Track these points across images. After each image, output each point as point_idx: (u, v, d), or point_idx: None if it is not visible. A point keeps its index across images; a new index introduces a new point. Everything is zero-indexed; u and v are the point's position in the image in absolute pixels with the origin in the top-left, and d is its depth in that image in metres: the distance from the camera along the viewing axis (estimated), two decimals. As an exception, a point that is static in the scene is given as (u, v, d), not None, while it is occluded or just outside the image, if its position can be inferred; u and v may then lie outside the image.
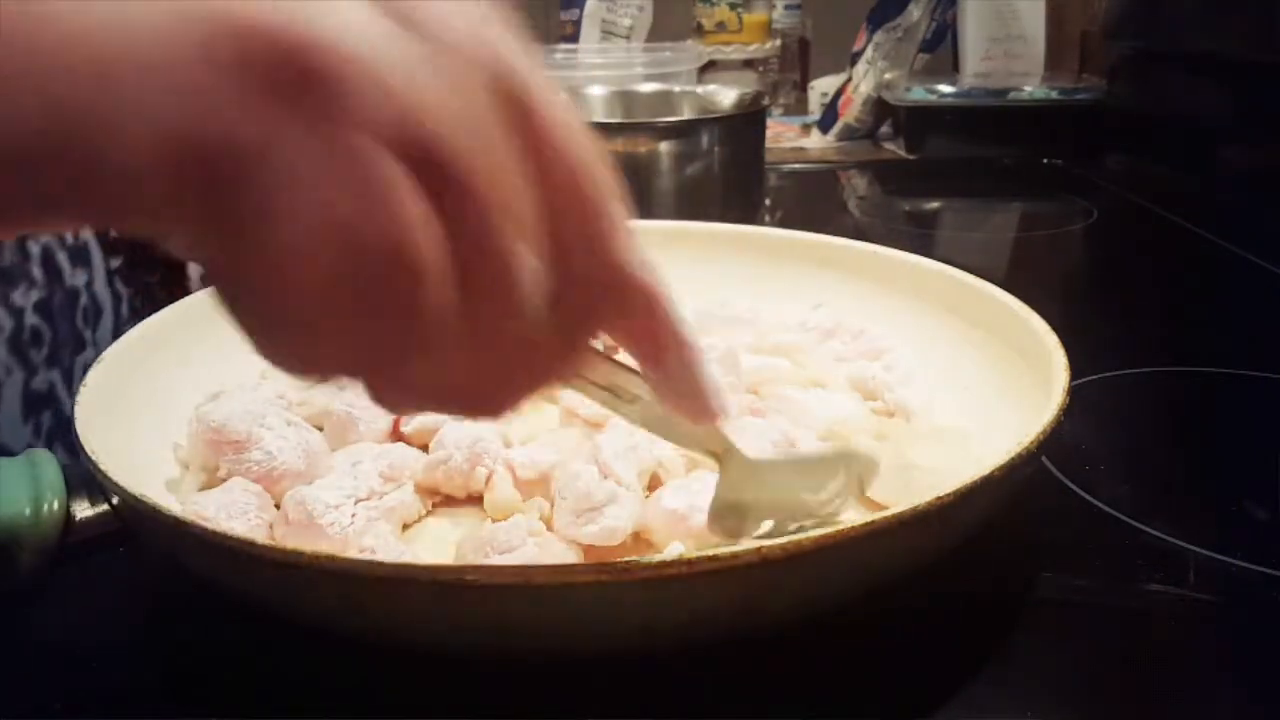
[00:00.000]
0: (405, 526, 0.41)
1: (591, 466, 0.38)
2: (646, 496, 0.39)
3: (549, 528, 0.38)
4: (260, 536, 0.37)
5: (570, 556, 0.37)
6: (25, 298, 0.51)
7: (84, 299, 0.59)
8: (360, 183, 0.19)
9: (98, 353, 0.43)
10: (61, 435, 0.53)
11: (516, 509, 0.40)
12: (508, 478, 0.41)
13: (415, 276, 0.20)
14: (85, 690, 0.34)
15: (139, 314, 0.61)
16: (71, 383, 0.54)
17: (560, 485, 0.39)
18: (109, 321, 0.61)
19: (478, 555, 0.36)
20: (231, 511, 0.37)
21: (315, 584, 0.29)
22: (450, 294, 0.21)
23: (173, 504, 0.41)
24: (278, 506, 0.39)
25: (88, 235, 0.60)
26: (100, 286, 0.61)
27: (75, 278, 0.58)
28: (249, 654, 0.34)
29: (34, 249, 0.55)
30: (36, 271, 0.55)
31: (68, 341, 0.55)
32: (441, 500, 0.42)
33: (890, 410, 0.48)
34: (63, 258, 0.57)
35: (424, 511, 0.41)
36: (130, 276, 0.64)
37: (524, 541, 0.36)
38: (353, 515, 0.38)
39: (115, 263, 0.63)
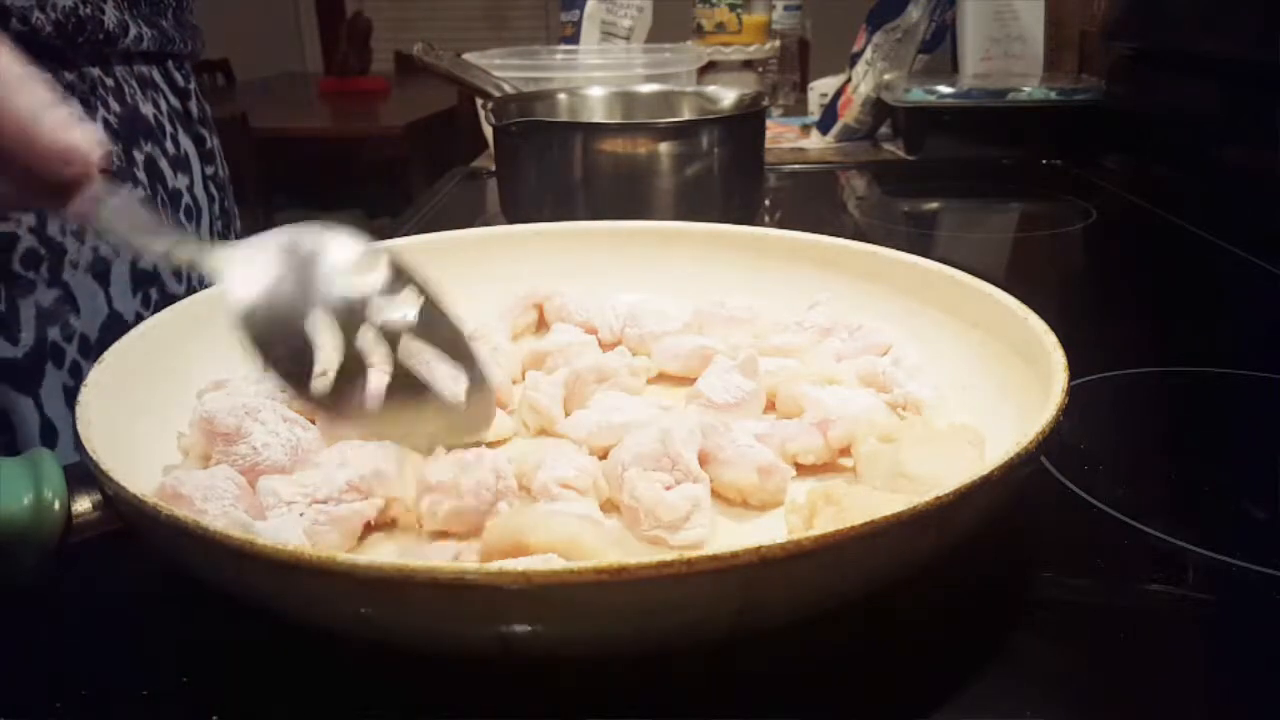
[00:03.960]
0: (360, 539, 0.40)
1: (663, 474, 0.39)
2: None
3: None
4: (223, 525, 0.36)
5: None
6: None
7: (185, 199, 0.68)
8: None
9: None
10: (166, 305, 0.55)
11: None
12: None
13: None
14: (85, 690, 0.34)
15: (227, 213, 0.76)
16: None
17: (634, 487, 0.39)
18: (205, 220, 0.72)
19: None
20: (208, 494, 0.37)
21: (314, 584, 0.29)
22: None
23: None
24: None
25: (188, 146, 0.70)
26: (199, 190, 0.71)
27: (177, 181, 0.68)
28: (249, 654, 0.34)
29: (138, 156, 0.64)
30: (141, 175, 0.64)
31: None
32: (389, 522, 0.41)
33: (903, 404, 0.48)
34: (164, 164, 0.66)
35: (372, 526, 0.40)
36: (219, 183, 0.76)
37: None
38: (300, 515, 0.38)
39: (210, 170, 0.74)
